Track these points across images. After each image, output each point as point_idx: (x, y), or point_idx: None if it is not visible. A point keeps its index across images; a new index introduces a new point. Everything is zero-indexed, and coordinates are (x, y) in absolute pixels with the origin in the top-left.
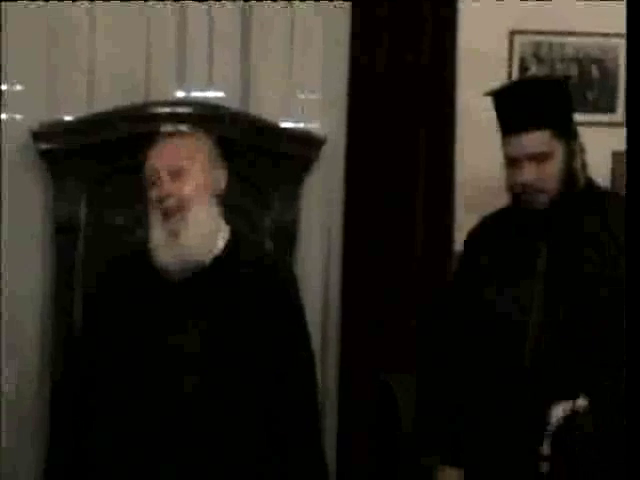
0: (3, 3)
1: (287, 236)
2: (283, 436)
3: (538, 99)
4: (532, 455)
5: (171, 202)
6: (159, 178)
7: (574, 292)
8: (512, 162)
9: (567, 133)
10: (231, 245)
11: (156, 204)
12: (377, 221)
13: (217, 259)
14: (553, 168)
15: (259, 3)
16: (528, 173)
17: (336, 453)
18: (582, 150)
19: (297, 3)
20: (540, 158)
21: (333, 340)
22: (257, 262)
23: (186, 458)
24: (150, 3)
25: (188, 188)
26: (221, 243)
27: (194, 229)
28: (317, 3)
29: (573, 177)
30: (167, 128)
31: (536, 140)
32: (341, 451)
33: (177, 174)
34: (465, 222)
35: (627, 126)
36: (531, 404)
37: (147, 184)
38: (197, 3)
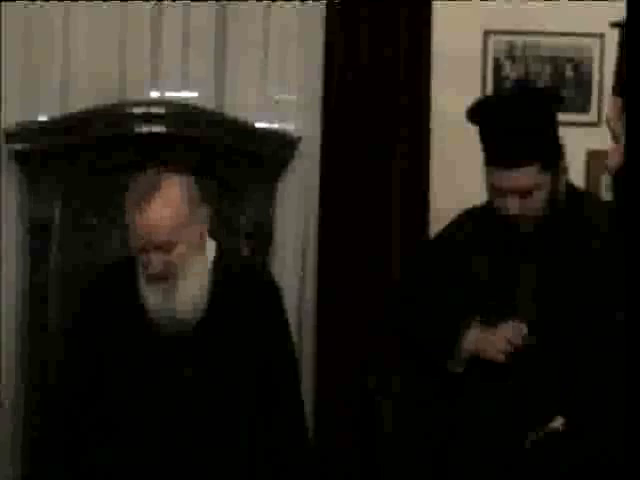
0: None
1: (263, 235)
2: (275, 443)
3: (527, 132)
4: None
5: (162, 272)
6: (146, 251)
7: (558, 308)
8: (496, 190)
9: (554, 160)
10: (219, 264)
11: (145, 269)
12: (353, 220)
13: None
14: (538, 199)
15: (235, 3)
16: (513, 206)
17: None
18: (565, 169)
19: (273, 4)
20: (526, 191)
21: (309, 339)
22: (246, 279)
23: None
24: (125, 3)
25: (177, 256)
26: (210, 257)
27: (187, 292)
28: (293, 4)
29: (557, 200)
30: (142, 129)
31: (523, 176)
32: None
33: (165, 248)
34: (440, 217)
35: (627, 128)
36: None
37: (131, 241)
38: (172, 3)
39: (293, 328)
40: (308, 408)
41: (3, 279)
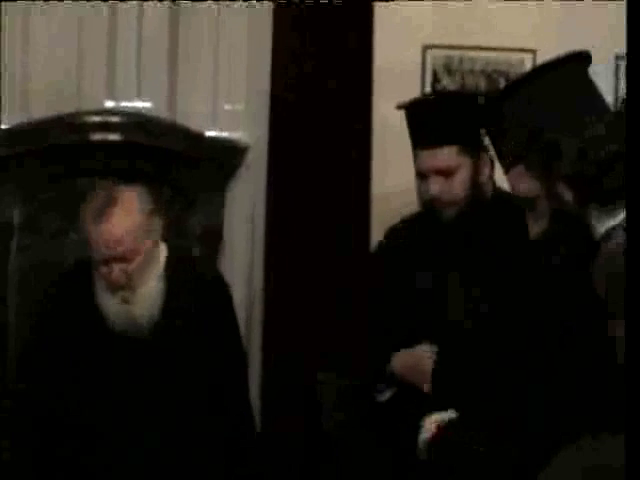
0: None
1: (213, 238)
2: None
3: (446, 115)
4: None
5: (123, 282)
6: (107, 263)
7: (479, 301)
8: (421, 175)
9: (474, 148)
10: (169, 264)
11: (107, 279)
12: (298, 224)
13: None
14: (459, 182)
15: (186, 18)
16: (434, 187)
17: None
18: (490, 162)
19: (223, 18)
20: (447, 172)
21: (256, 338)
22: (196, 280)
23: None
24: (82, 17)
25: (137, 266)
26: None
27: (145, 298)
28: (241, 20)
29: (479, 190)
30: (98, 137)
31: (443, 155)
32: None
33: (126, 258)
34: (381, 225)
35: (627, 129)
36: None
37: (92, 253)
38: (127, 16)
39: (241, 325)
40: (255, 400)
41: None
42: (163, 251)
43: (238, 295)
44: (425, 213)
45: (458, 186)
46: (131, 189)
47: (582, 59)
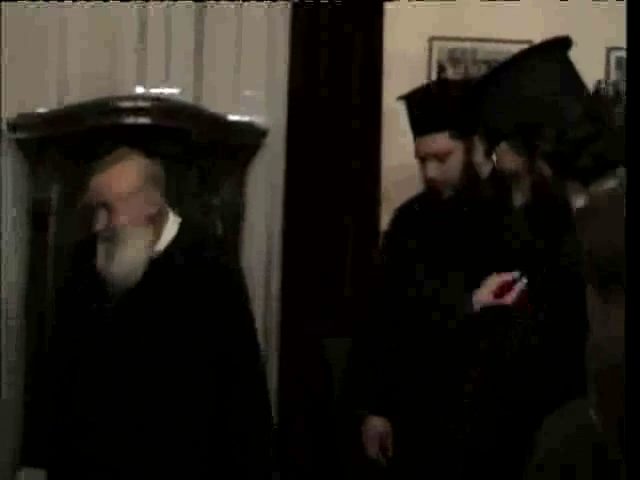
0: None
1: (234, 216)
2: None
3: (435, 104)
4: (454, 409)
5: (105, 234)
6: (96, 209)
7: (481, 272)
8: (420, 160)
9: (466, 132)
10: (178, 238)
11: (95, 224)
12: (313, 201)
13: (165, 252)
14: (453, 164)
15: (211, 10)
16: (431, 170)
17: (278, 413)
18: (476, 147)
19: (245, 13)
20: (441, 156)
21: (274, 309)
22: (203, 254)
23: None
24: (114, 9)
25: (119, 222)
26: (170, 235)
27: (123, 259)
28: (261, 14)
29: (474, 169)
30: (129, 121)
31: (435, 141)
32: (282, 410)
33: (109, 209)
34: (388, 207)
35: (627, 128)
36: (452, 368)
37: None
38: (157, 10)
39: (261, 297)
40: (272, 379)
41: (4, 259)
42: (174, 222)
43: (258, 268)
44: (427, 193)
45: (453, 168)
46: (138, 157)
47: (563, 44)
